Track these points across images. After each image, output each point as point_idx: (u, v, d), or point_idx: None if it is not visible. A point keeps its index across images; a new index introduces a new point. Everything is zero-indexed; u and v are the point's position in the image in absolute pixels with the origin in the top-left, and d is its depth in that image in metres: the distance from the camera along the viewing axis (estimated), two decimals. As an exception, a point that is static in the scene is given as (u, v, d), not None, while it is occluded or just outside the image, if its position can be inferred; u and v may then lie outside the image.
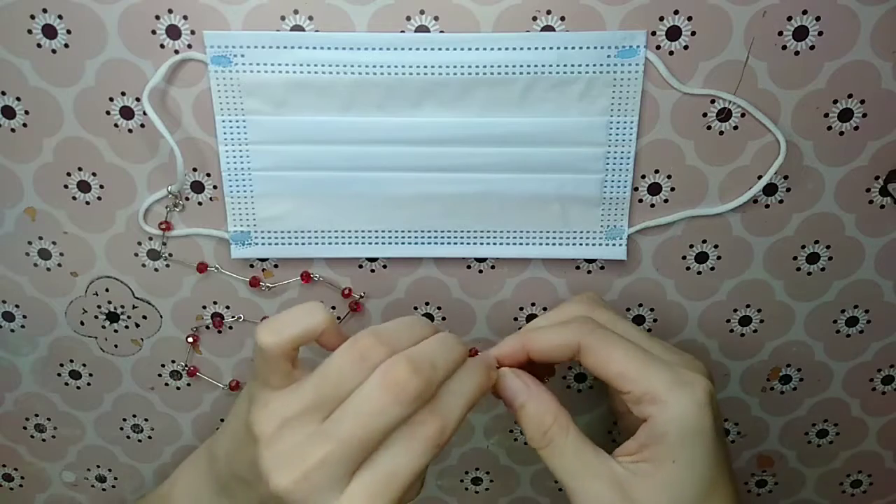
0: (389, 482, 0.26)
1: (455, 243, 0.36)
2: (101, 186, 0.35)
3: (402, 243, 0.36)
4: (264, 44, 0.32)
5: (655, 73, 0.32)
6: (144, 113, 0.33)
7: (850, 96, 0.33)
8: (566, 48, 0.32)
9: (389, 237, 0.36)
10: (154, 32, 0.32)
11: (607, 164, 0.34)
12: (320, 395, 0.27)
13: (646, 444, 0.28)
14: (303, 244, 0.36)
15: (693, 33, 0.32)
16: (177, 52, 0.32)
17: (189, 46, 0.32)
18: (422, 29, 0.32)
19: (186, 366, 0.39)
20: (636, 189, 0.35)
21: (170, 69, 0.32)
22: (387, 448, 0.26)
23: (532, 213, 0.35)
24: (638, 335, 0.31)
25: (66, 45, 0.32)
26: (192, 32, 0.32)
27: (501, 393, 0.31)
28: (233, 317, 0.38)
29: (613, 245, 0.36)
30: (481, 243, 0.36)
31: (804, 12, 0.31)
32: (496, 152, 0.34)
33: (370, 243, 0.36)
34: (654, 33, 0.32)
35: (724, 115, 0.33)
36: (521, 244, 0.36)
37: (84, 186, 0.35)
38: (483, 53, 0.32)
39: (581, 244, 0.36)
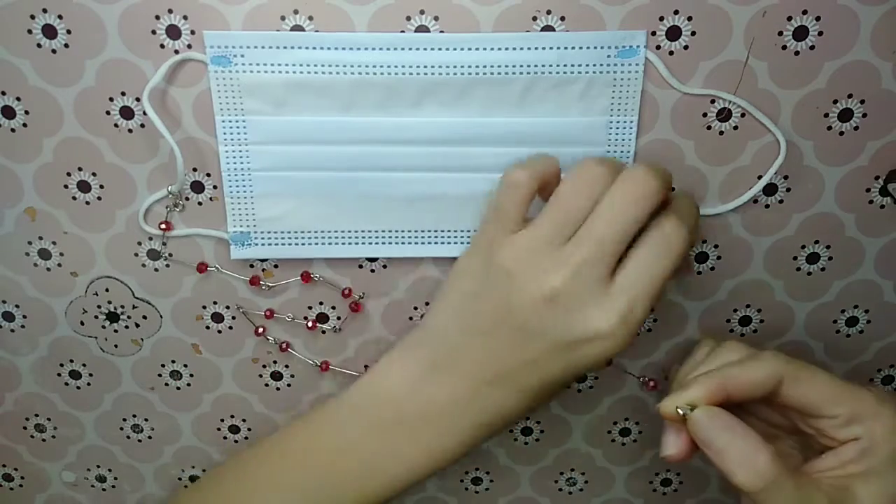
0: (649, 278, 0.29)
1: (456, 243, 0.36)
2: (101, 186, 0.35)
3: (403, 243, 0.36)
4: (264, 44, 0.32)
5: (655, 73, 0.32)
6: (144, 113, 0.33)
7: (850, 96, 0.33)
8: (566, 48, 0.32)
9: (390, 237, 0.36)
10: (154, 32, 0.32)
11: None
12: (560, 222, 0.30)
13: (853, 459, 0.29)
14: (302, 244, 0.36)
15: (693, 33, 0.32)
16: (177, 51, 0.32)
17: (189, 46, 0.32)
18: (422, 29, 0.32)
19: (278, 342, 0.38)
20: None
21: (170, 69, 0.32)
22: (637, 251, 0.30)
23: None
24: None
25: (66, 45, 0.32)
26: (192, 32, 0.32)
27: (697, 434, 0.29)
28: (233, 317, 0.38)
29: None
30: None
31: (804, 12, 0.31)
32: (497, 152, 0.34)
33: (370, 243, 0.36)
34: (654, 33, 0.32)
35: (724, 115, 0.33)
36: None
37: (84, 186, 0.35)
38: (483, 53, 0.32)
39: None
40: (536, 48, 0.32)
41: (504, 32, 0.32)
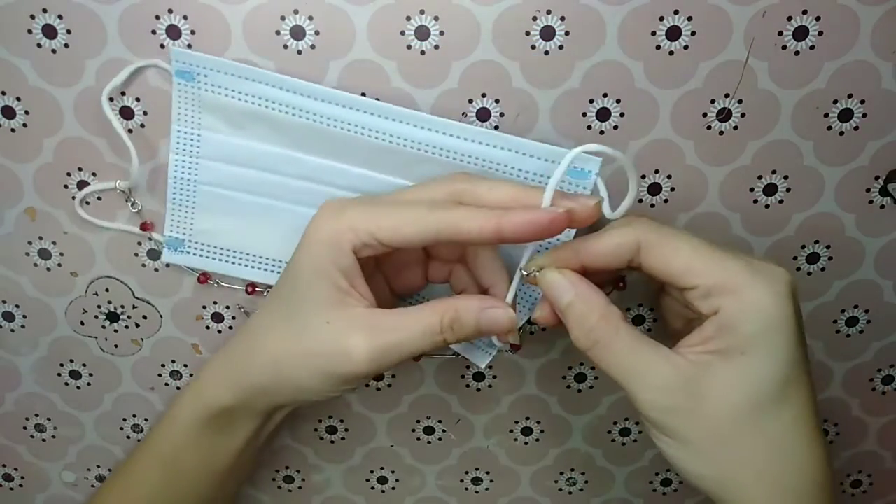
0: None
1: None
2: (101, 186, 0.35)
3: None
4: (227, 71, 0.32)
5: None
6: (145, 113, 0.33)
7: (850, 96, 0.33)
8: (520, 153, 0.32)
9: None
10: (154, 32, 0.32)
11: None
12: None
13: (712, 336, 0.26)
14: (233, 263, 0.36)
15: (693, 33, 0.32)
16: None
17: (189, 47, 0.32)
18: (422, 29, 0.32)
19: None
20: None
21: (133, 73, 0.32)
22: None
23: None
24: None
25: (66, 45, 0.32)
26: (193, 32, 0.32)
27: (546, 293, 0.29)
28: (233, 317, 0.38)
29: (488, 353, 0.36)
30: None
31: (804, 12, 0.31)
32: None
33: None
34: (653, 33, 0.32)
35: (723, 115, 0.33)
36: None
37: (84, 187, 0.35)
38: (435, 135, 0.32)
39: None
40: (490, 145, 0.32)
41: (462, 123, 0.32)
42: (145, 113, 0.33)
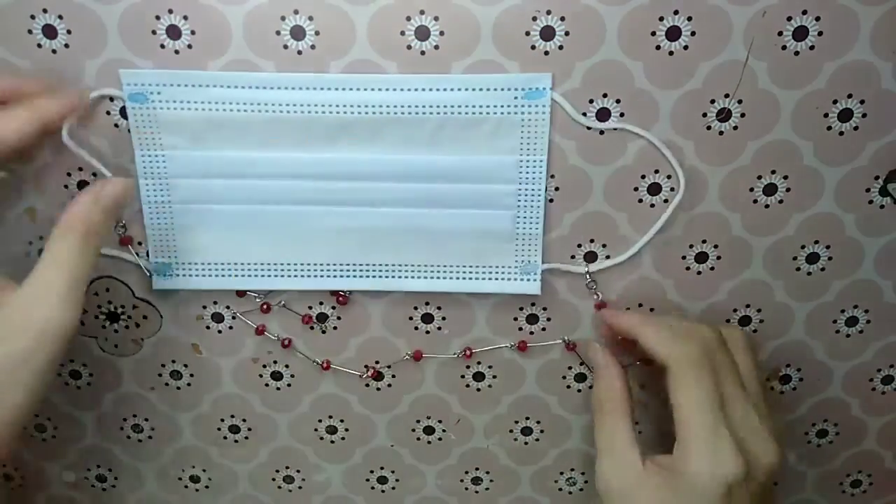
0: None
1: (373, 276, 0.36)
2: (102, 186, 0.35)
3: (321, 276, 0.36)
4: (177, 82, 0.32)
5: (563, 114, 0.33)
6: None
7: (849, 96, 0.33)
8: (474, 90, 0.33)
9: (308, 270, 0.36)
10: (154, 33, 0.32)
11: (518, 201, 0.35)
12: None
13: (670, 462, 0.32)
14: (224, 276, 0.36)
15: (693, 33, 0.32)
16: (177, 52, 0.32)
17: (189, 47, 0.32)
18: (422, 30, 0.32)
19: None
20: (636, 189, 0.35)
21: (92, 103, 0.33)
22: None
23: (448, 247, 0.36)
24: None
25: (67, 46, 0.32)
26: (193, 33, 0.32)
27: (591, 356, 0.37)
28: (233, 317, 0.38)
29: (527, 280, 0.36)
30: (398, 277, 0.36)
31: (804, 12, 0.31)
32: (411, 188, 0.34)
33: (288, 276, 0.36)
34: (653, 33, 0.32)
35: (723, 115, 0.33)
36: (438, 278, 0.36)
37: (84, 187, 0.35)
38: (390, 94, 0.33)
39: (497, 279, 0.36)
40: (444, 89, 0.32)
41: (412, 74, 0.32)
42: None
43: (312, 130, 0.33)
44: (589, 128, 0.34)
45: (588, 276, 0.37)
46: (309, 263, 0.36)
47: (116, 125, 0.34)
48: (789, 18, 0.31)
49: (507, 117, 0.33)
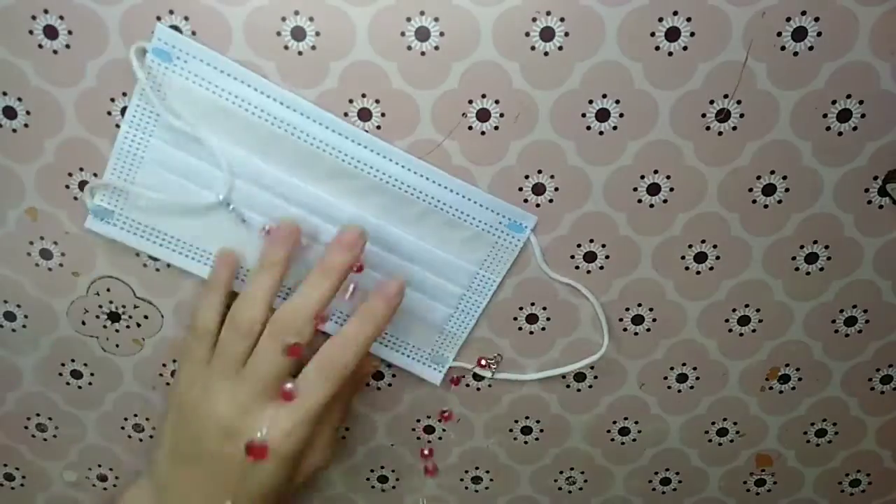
0: (314, 397, 0.32)
1: None
2: (103, 187, 0.35)
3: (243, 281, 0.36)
4: (207, 61, 0.32)
5: (529, 254, 0.36)
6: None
7: (848, 97, 0.33)
8: (468, 198, 0.35)
9: (243, 274, 0.36)
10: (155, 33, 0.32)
11: (460, 304, 0.37)
12: (229, 358, 0.32)
13: None
14: (155, 243, 0.36)
15: (692, 34, 0.32)
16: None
17: (190, 47, 0.32)
18: (422, 30, 0.32)
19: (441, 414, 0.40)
20: (635, 189, 0.35)
21: (137, 53, 0.32)
22: (307, 368, 0.32)
23: None
24: None
25: (68, 46, 0.32)
26: (194, 33, 0.32)
27: None
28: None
29: (434, 368, 0.38)
30: (331, 321, 0.37)
31: (803, 13, 0.31)
32: (377, 252, 0.35)
33: (207, 265, 0.36)
34: (653, 34, 0.32)
35: (722, 115, 0.33)
36: None
37: (85, 186, 0.35)
38: (394, 166, 0.34)
39: (407, 355, 0.38)
40: (444, 186, 0.34)
41: (422, 161, 0.33)
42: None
43: (310, 162, 0.34)
44: (551, 276, 0.36)
45: (491, 376, 0.39)
46: (246, 269, 0.36)
47: (118, 125, 0.34)
48: (788, 19, 0.31)
49: (484, 234, 0.35)
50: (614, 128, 0.34)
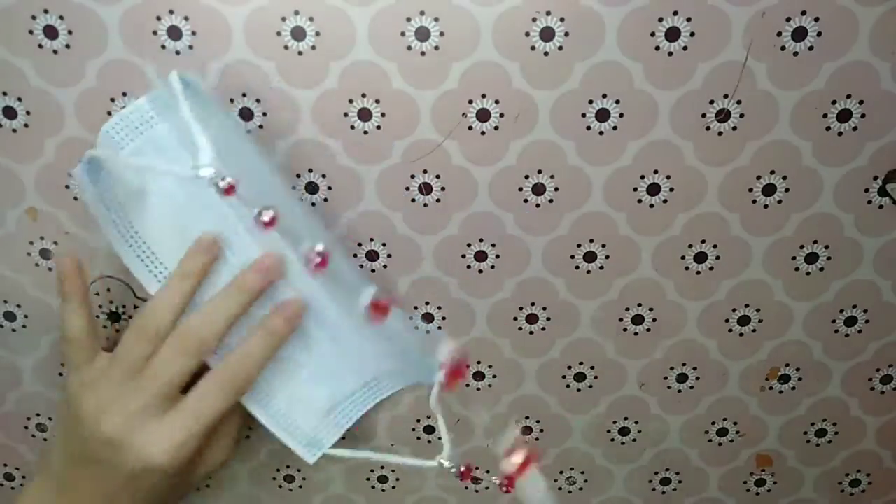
0: (201, 414, 0.32)
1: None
2: (103, 187, 0.35)
3: None
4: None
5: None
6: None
7: (848, 97, 0.33)
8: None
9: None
10: (155, 33, 0.32)
11: (353, 394, 0.36)
12: (125, 366, 0.32)
13: None
14: (125, 242, 0.33)
15: (692, 34, 0.32)
16: (178, 53, 0.32)
17: (190, 48, 0.32)
18: (422, 30, 0.32)
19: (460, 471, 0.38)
20: (635, 189, 0.35)
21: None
22: (196, 387, 0.32)
23: (280, 380, 0.34)
24: None
25: (68, 46, 0.32)
26: (194, 33, 0.32)
27: None
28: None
29: (308, 450, 0.36)
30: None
31: (803, 13, 0.31)
32: (311, 328, 0.34)
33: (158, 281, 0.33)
34: (653, 34, 0.32)
35: (722, 115, 0.33)
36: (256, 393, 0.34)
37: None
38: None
39: (289, 430, 0.36)
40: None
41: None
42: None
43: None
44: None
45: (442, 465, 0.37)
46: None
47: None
48: (788, 19, 0.31)
49: (405, 353, 0.37)
50: (614, 128, 0.34)
